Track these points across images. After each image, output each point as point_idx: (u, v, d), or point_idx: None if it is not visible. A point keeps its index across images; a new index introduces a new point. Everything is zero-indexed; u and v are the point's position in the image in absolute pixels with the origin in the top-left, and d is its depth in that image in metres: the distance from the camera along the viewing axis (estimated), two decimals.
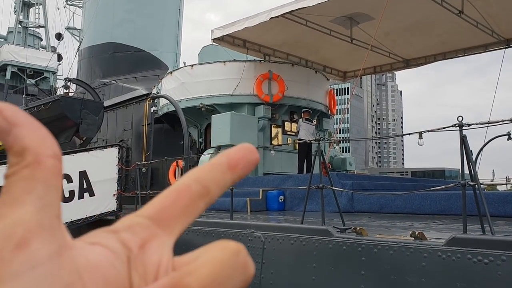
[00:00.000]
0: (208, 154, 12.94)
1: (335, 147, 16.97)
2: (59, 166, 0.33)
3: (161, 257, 0.34)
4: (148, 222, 0.34)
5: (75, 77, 21.90)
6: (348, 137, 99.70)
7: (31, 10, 39.17)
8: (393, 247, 4.69)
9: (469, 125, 4.82)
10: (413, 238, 4.64)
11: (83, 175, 9.43)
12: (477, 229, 4.96)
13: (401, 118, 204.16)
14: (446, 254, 4.30)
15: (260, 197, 10.52)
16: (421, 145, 5.59)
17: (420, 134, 5.39)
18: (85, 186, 9.43)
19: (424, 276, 4.40)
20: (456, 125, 4.76)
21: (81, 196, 9.34)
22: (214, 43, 14.30)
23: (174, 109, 13.42)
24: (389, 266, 4.68)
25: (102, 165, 9.91)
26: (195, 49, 22.35)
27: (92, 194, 9.51)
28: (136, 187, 9.82)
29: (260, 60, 14.75)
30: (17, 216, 0.30)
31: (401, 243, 4.65)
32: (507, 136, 12.68)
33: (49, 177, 0.32)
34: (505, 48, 13.71)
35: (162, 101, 15.55)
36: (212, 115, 13.62)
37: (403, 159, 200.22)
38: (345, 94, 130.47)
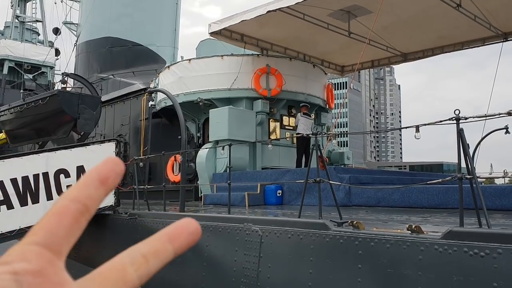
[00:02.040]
0: (206, 148, 12.95)
1: (332, 142, 17.00)
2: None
3: (62, 279, 0.35)
4: (39, 249, 0.35)
5: (73, 72, 21.84)
6: (346, 131, 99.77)
7: (28, 4, 38.96)
8: (390, 241, 4.71)
9: (466, 118, 4.83)
10: (410, 232, 4.66)
11: (80, 170, 9.42)
12: (473, 222, 4.98)
13: (399, 112, 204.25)
14: (443, 247, 4.32)
15: (258, 192, 10.55)
16: (418, 138, 5.60)
17: (417, 127, 5.40)
18: None
19: (421, 270, 4.42)
20: (453, 118, 4.76)
21: None
22: (211, 37, 14.27)
23: (172, 103, 13.41)
24: (386, 260, 4.70)
25: (99, 160, 9.82)
26: (194, 43, 22.27)
27: None
28: (134, 182, 9.82)
29: (258, 54, 14.72)
30: None
31: (398, 237, 4.67)
32: (504, 130, 12.71)
33: None
34: (502, 41, 13.71)
35: (160, 96, 15.52)
36: (210, 110, 13.60)
37: (401, 153, 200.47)
38: (343, 88, 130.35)
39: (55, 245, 0.36)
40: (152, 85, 16.49)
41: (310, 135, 9.71)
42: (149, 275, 0.39)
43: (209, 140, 13.47)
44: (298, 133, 13.10)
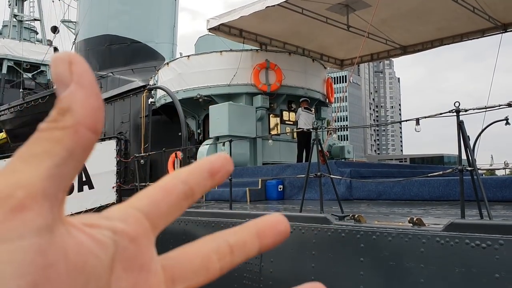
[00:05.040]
0: (207, 145, 12.95)
1: (332, 136, 16.99)
2: (92, 142, 0.31)
3: (151, 254, 0.34)
4: (141, 215, 0.34)
5: None
6: (346, 125, 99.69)
7: (26, 3, 38.94)
8: (392, 234, 4.72)
9: (466, 110, 4.83)
10: (411, 224, 4.67)
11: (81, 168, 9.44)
12: (475, 214, 4.99)
13: (399, 105, 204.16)
14: (445, 239, 4.33)
15: (259, 187, 10.56)
16: (418, 131, 5.61)
17: (417, 120, 5.40)
18: (84, 179, 9.44)
19: (423, 262, 4.43)
20: (453, 110, 4.77)
21: (80, 189, 9.36)
22: (210, 33, 14.25)
23: (172, 100, 13.41)
24: (388, 253, 4.72)
25: (100, 158, 9.92)
26: (194, 39, 22.22)
27: (91, 187, 9.53)
28: (135, 179, 9.84)
29: (257, 50, 14.70)
30: (24, 176, 0.28)
31: (400, 230, 4.68)
32: (505, 121, 12.70)
33: (77, 149, 0.30)
34: (502, 33, 13.68)
35: (160, 93, 15.51)
36: (210, 106, 13.60)
37: (401, 146, 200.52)
38: (342, 82, 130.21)
39: (154, 218, 0.34)
40: (151, 82, 16.48)
41: (311, 130, 9.73)
42: (231, 267, 0.37)
43: (210, 137, 13.48)
44: (299, 128, 13.10)
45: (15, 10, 37.57)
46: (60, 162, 0.29)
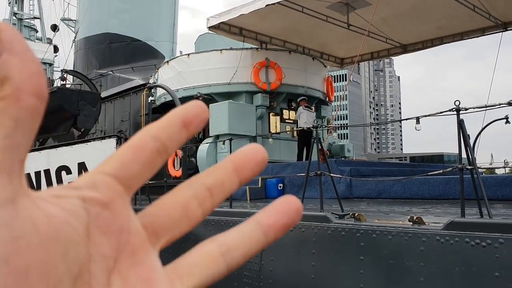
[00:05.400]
0: (207, 143, 12.95)
1: (332, 134, 16.99)
2: (39, 108, 0.29)
3: (128, 216, 0.33)
4: (110, 179, 0.33)
5: (72, 69, 21.80)
6: (346, 124, 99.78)
7: (26, 1, 38.91)
8: (392, 232, 4.72)
9: (466, 109, 4.83)
10: (411, 223, 4.67)
11: (82, 166, 9.44)
12: (475, 212, 4.99)
13: (399, 103, 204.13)
14: (444, 238, 4.33)
15: (259, 185, 10.56)
16: (418, 130, 5.60)
17: (417, 119, 5.40)
18: None
19: (423, 260, 4.44)
20: (453, 109, 4.77)
21: None
22: (210, 32, 14.24)
23: (172, 98, 13.40)
24: (388, 251, 4.72)
25: (100, 156, 9.92)
26: (194, 38, 22.21)
27: None
28: None
29: (257, 48, 14.69)
30: None
31: (400, 228, 4.69)
32: (505, 120, 12.69)
33: (23, 117, 0.28)
34: (502, 31, 13.68)
35: (160, 91, 15.51)
36: (210, 104, 13.59)
37: (401, 144, 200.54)
38: (343, 81, 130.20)
39: (126, 179, 0.33)
40: (151, 81, 16.47)
41: (311, 128, 9.73)
42: (212, 209, 0.37)
43: (210, 135, 13.48)
44: (300, 127, 13.09)
45: (15, 8, 37.55)
46: (8, 132, 0.27)
